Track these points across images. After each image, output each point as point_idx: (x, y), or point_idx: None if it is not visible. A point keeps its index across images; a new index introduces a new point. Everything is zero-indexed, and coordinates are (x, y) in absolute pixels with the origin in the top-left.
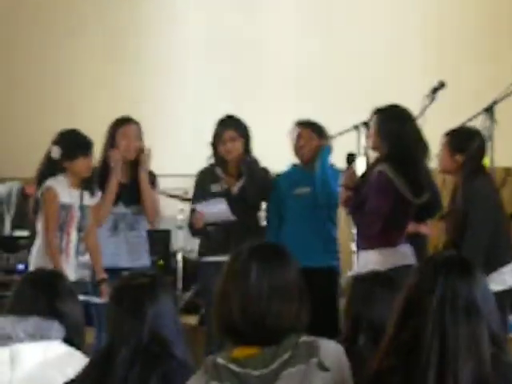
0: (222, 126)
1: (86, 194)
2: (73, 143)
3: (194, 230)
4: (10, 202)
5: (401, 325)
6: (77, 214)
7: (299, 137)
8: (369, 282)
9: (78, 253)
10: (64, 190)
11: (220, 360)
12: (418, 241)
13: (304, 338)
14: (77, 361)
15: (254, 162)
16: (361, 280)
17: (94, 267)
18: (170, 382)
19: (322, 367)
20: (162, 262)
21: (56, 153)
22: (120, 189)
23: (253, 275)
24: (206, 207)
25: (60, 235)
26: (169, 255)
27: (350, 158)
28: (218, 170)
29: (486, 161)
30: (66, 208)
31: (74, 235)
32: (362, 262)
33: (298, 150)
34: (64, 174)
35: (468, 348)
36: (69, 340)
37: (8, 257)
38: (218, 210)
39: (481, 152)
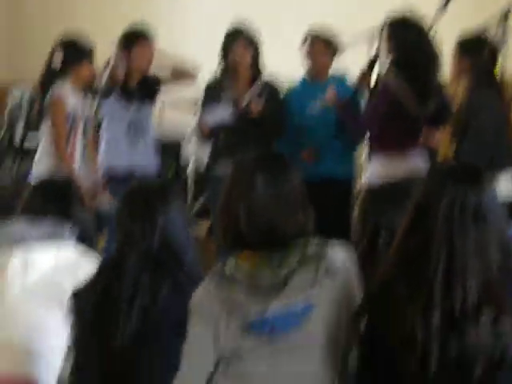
0: (232, 36)
1: (88, 103)
2: (77, 48)
3: (200, 134)
4: (22, 106)
5: (409, 232)
6: (81, 122)
7: (311, 51)
8: (384, 191)
9: (82, 161)
10: (69, 97)
11: (228, 268)
12: (427, 151)
13: (311, 243)
14: (88, 264)
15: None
16: (377, 190)
17: (93, 176)
18: (179, 291)
19: (330, 274)
20: (172, 172)
21: (60, 58)
22: (130, 94)
23: (258, 185)
24: (212, 116)
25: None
26: (180, 167)
27: (372, 64)
28: (225, 81)
29: (497, 70)
30: (73, 116)
31: (79, 144)
32: (372, 172)
33: (309, 64)
34: (68, 81)
35: (475, 254)
36: (81, 247)
37: (20, 164)
38: (221, 116)
39: (491, 58)
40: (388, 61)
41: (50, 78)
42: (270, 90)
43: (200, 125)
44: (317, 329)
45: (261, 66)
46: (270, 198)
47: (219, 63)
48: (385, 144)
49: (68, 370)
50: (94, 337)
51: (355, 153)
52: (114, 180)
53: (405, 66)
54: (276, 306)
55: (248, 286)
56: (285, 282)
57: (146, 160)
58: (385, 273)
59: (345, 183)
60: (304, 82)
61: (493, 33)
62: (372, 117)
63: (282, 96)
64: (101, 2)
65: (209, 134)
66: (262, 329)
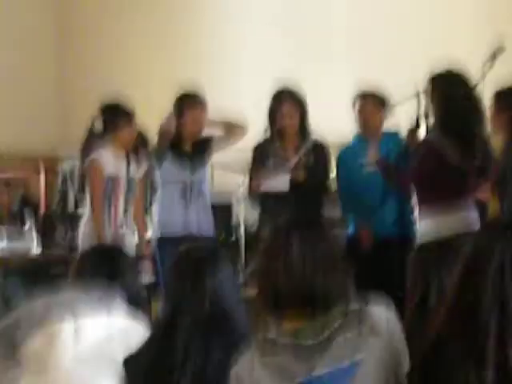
0: (279, 100)
1: (133, 166)
2: (115, 113)
3: (251, 195)
4: (73, 179)
5: (459, 291)
6: (123, 185)
7: (362, 110)
8: (436, 249)
9: (124, 225)
10: (109, 162)
11: (270, 335)
12: (478, 207)
13: (353, 305)
14: (139, 331)
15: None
16: (428, 247)
17: (139, 240)
18: (232, 354)
19: (374, 332)
20: (223, 235)
21: (99, 125)
22: (184, 157)
23: (294, 249)
24: (269, 181)
25: (107, 207)
26: (231, 229)
27: (418, 120)
28: (274, 144)
29: None
30: (113, 179)
31: (121, 208)
32: (422, 230)
33: (361, 123)
34: (108, 146)
35: None
36: (131, 313)
37: (72, 234)
38: (279, 182)
39: None
40: (432, 115)
41: (90, 143)
42: (318, 150)
43: (252, 187)
44: None
45: (308, 126)
46: (306, 259)
47: (267, 125)
48: (432, 201)
49: None
50: None
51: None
52: (170, 243)
53: (448, 119)
54: (322, 367)
55: (292, 349)
56: (329, 344)
57: (201, 224)
58: (437, 332)
59: (402, 243)
60: (358, 140)
61: None
62: (415, 174)
63: (329, 155)
64: (151, 65)
65: (258, 195)
66: None
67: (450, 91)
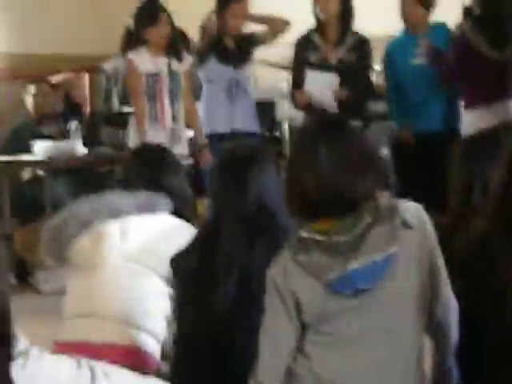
0: None
1: (174, 61)
2: (142, 14)
3: (296, 103)
4: (117, 78)
5: (507, 188)
6: (166, 81)
7: (407, 5)
8: (479, 143)
9: (174, 120)
10: (145, 60)
11: (304, 233)
12: None
13: (383, 201)
14: (185, 232)
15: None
16: (471, 142)
17: (195, 132)
18: (277, 250)
19: (406, 225)
20: (268, 132)
21: (131, 25)
22: (228, 54)
23: (321, 151)
24: (315, 76)
25: (152, 104)
26: (274, 125)
27: (466, 12)
28: (315, 37)
29: None
30: (153, 76)
31: (167, 103)
32: (465, 123)
33: (406, 18)
34: (146, 44)
35: None
36: (178, 213)
37: (117, 133)
38: (324, 92)
39: None
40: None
41: (127, 42)
42: (361, 47)
43: (299, 95)
44: (401, 281)
45: (351, 19)
46: (334, 163)
47: (313, 15)
48: (473, 95)
49: (171, 338)
50: (195, 302)
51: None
52: (217, 142)
53: (480, 14)
54: (356, 260)
55: (325, 248)
56: (362, 239)
57: (246, 120)
58: (483, 228)
59: (450, 136)
60: (405, 34)
61: None
62: (455, 70)
63: (371, 53)
64: None
65: (307, 107)
66: (344, 288)
67: None
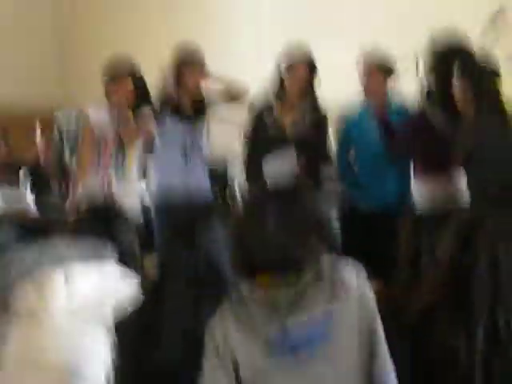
0: (291, 58)
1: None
2: (111, 71)
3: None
4: (70, 130)
5: (454, 256)
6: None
7: (369, 79)
8: (425, 215)
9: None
10: (101, 120)
11: (244, 290)
12: None
13: (325, 260)
14: (130, 286)
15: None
16: (418, 214)
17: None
18: None
19: (346, 285)
20: (220, 190)
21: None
22: (184, 115)
23: (269, 211)
24: (272, 164)
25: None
26: (226, 184)
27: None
28: (273, 109)
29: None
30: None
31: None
32: (416, 195)
33: (367, 92)
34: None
35: None
36: (123, 267)
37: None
38: (283, 168)
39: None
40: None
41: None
42: (317, 112)
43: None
44: (339, 341)
45: (315, 93)
46: (280, 226)
47: (272, 87)
48: (425, 171)
49: None
50: (136, 362)
51: None
52: (170, 202)
53: (436, 93)
54: (294, 322)
55: (265, 305)
56: (301, 296)
57: (200, 182)
58: (432, 295)
59: (401, 207)
60: (363, 109)
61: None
62: (409, 145)
63: (328, 123)
64: (150, 24)
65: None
66: (283, 345)
67: (439, 61)
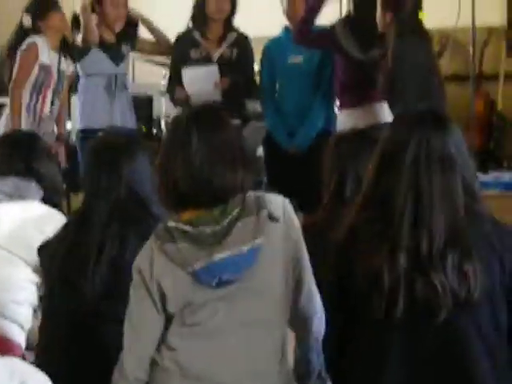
0: None
1: (63, 58)
2: (39, 3)
3: (175, 99)
4: None
5: (377, 179)
6: (54, 76)
7: (291, 1)
8: (351, 138)
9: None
10: (44, 51)
11: (171, 223)
12: None
13: (250, 194)
14: (55, 220)
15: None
16: (343, 138)
17: (58, 126)
18: (147, 239)
19: (272, 217)
20: (145, 128)
21: (28, 20)
22: (107, 47)
23: (193, 142)
24: (194, 79)
25: (35, 96)
26: (151, 121)
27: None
28: (196, 34)
29: (423, 15)
30: (46, 69)
31: (49, 98)
32: (340, 121)
33: (289, 15)
34: (42, 35)
35: (442, 198)
36: (48, 200)
37: None
38: (205, 82)
39: (414, 9)
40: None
41: (21, 38)
42: (242, 43)
43: (178, 91)
44: (266, 273)
45: (233, 18)
46: (205, 154)
47: (193, 13)
48: (344, 93)
49: (38, 324)
50: (62, 290)
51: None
52: (92, 135)
53: (352, 16)
54: (221, 252)
55: (191, 238)
56: (228, 231)
57: (124, 117)
58: (353, 217)
59: (325, 135)
60: (285, 32)
61: None
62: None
63: (251, 49)
64: None
65: (185, 98)
66: (209, 278)
67: None
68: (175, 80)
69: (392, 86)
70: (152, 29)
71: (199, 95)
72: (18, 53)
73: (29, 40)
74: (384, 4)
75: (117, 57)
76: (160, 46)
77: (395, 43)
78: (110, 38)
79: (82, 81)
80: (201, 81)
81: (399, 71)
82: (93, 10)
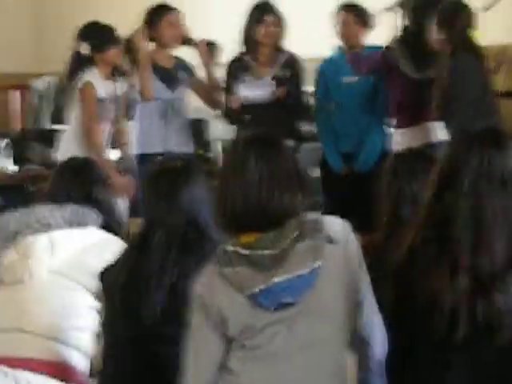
0: (262, 10)
1: (119, 84)
2: (100, 34)
3: (230, 114)
4: (48, 96)
5: (436, 198)
6: (112, 107)
7: (344, 23)
8: (407, 158)
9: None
10: (99, 84)
11: (229, 247)
12: None
13: (308, 217)
14: (114, 246)
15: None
16: (399, 158)
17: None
18: (206, 265)
19: (331, 240)
20: (201, 151)
21: (85, 48)
22: (164, 73)
23: (251, 164)
24: (250, 88)
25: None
26: (207, 145)
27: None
28: (247, 58)
29: (477, 34)
30: (102, 102)
31: (107, 130)
32: (396, 141)
33: (343, 36)
34: (95, 67)
35: (502, 218)
36: (107, 227)
37: (48, 151)
38: (261, 90)
39: (466, 26)
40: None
41: (77, 66)
42: (293, 64)
43: (231, 99)
44: (325, 296)
45: (283, 43)
46: (262, 177)
47: (244, 37)
48: (399, 112)
49: (100, 352)
50: (123, 315)
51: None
52: (149, 160)
53: (406, 35)
54: (281, 274)
55: (250, 261)
56: (286, 253)
57: (180, 141)
58: (413, 238)
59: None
60: (339, 53)
61: None
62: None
63: (303, 70)
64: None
65: (239, 110)
66: (268, 301)
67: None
68: (229, 91)
69: (448, 105)
70: (206, 65)
71: (253, 98)
72: (77, 91)
73: (84, 77)
74: (439, 22)
75: (173, 83)
76: (209, 93)
77: (450, 61)
78: (166, 62)
79: (138, 107)
80: (258, 88)
81: (455, 89)
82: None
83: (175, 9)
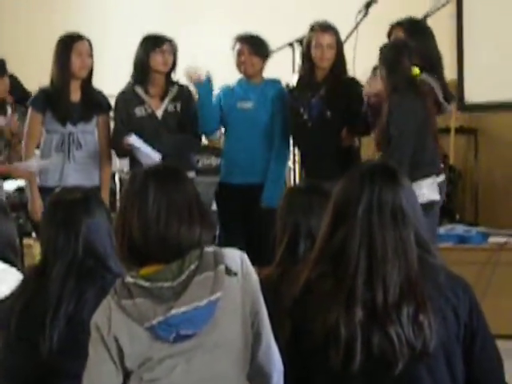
0: (158, 43)
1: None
2: None
3: (118, 150)
4: None
5: (330, 233)
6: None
7: (240, 53)
8: (303, 192)
9: None
10: None
11: (129, 279)
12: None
13: (207, 249)
14: (12, 277)
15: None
16: (297, 191)
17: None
18: (105, 296)
19: (230, 272)
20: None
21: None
22: (70, 107)
23: (149, 196)
24: (139, 149)
25: None
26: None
27: None
28: (139, 90)
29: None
30: None
31: None
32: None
33: (239, 65)
34: None
35: (395, 251)
36: (3, 257)
37: None
38: (148, 157)
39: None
40: None
41: None
42: (184, 95)
43: (124, 142)
44: (224, 328)
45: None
46: (162, 210)
47: (136, 69)
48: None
49: None
50: (20, 346)
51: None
52: (46, 196)
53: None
54: (179, 306)
55: (149, 293)
56: (185, 285)
57: (78, 175)
58: (309, 272)
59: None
60: (240, 82)
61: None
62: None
63: (195, 99)
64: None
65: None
66: (166, 333)
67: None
68: (119, 134)
69: (387, 142)
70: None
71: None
72: None
73: None
74: (381, 61)
75: (78, 118)
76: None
77: (389, 100)
78: (74, 95)
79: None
80: (147, 157)
81: (393, 127)
82: None
83: (84, 38)
